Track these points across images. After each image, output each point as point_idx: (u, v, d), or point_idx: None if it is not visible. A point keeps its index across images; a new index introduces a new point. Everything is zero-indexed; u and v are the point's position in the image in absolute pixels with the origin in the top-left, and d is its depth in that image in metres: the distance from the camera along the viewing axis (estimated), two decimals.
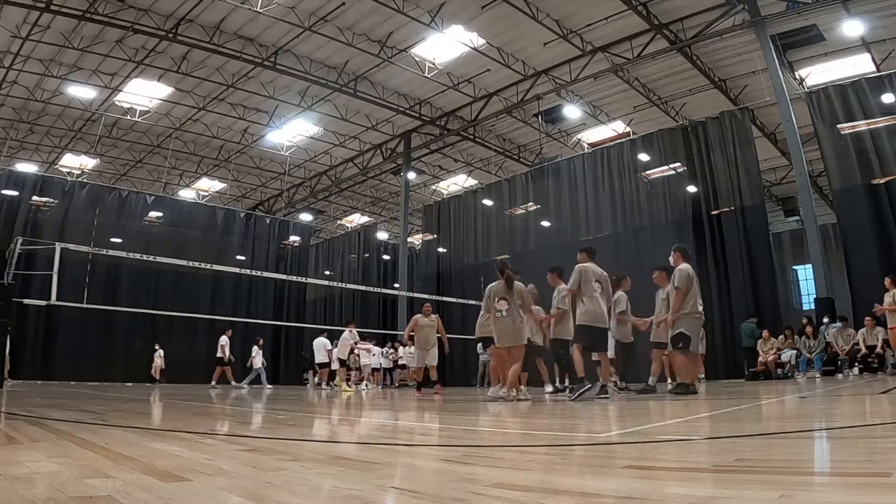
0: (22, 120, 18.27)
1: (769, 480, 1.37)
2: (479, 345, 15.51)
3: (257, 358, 15.63)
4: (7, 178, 16.58)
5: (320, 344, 14.07)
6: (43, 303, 10.66)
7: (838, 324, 11.39)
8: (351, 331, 13.13)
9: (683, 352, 6.29)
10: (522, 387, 6.94)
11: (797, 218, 20.45)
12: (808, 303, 22.64)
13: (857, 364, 10.68)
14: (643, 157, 15.65)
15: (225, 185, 24.10)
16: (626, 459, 1.91)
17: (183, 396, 8.31)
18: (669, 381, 11.87)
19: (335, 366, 13.32)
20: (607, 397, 5.97)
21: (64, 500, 1.22)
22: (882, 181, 11.73)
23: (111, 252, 13.09)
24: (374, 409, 6.12)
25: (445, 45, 15.12)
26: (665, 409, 4.54)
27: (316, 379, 15.21)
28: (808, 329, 11.70)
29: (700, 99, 16.79)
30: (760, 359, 11.64)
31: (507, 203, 18.66)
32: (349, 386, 12.98)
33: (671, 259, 6.85)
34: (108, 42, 14.71)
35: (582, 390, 5.97)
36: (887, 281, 9.23)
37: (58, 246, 9.85)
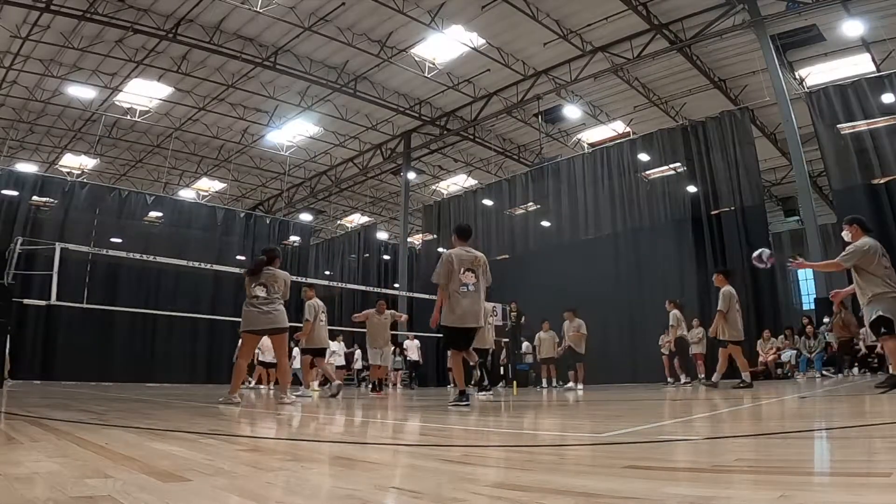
0: (22, 120, 18.27)
1: (769, 480, 1.37)
2: None
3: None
4: (7, 178, 16.59)
5: (414, 345, 15.88)
6: (43, 303, 10.64)
7: None
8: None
9: (890, 336, 5.25)
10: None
11: (797, 218, 20.46)
12: (808, 303, 22.65)
13: (857, 364, 10.68)
14: (643, 157, 15.66)
15: (225, 185, 24.10)
16: (626, 459, 1.90)
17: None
18: (670, 379, 11.92)
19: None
20: (467, 404, 5.10)
21: (64, 500, 1.22)
22: (882, 181, 11.74)
23: (111, 252, 13.07)
24: (372, 409, 6.11)
25: (445, 45, 15.12)
26: (665, 410, 4.54)
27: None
28: (809, 329, 11.70)
29: (700, 99, 16.79)
30: (761, 359, 11.64)
31: (507, 203, 18.66)
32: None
33: (845, 234, 5.77)
34: (107, 42, 14.71)
35: (459, 401, 5.13)
36: None
37: (58, 246, 9.84)
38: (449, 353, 5.71)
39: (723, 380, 8.57)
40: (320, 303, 8.60)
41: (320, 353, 8.73)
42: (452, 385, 8.76)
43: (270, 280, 6.04)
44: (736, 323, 8.06)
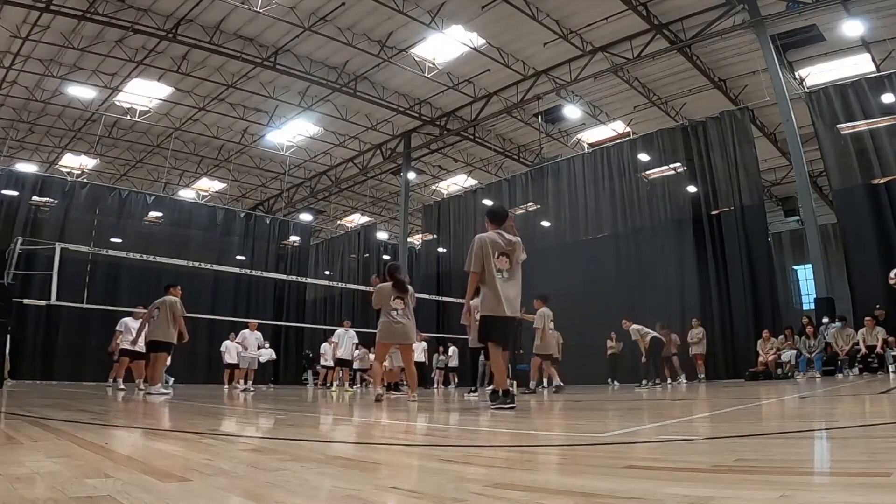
0: (22, 120, 18.28)
1: (769, 480, 1.37)
2: None
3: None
4: (7, 178, 16.60)
5: (420, 346, 15.05)
6: (43, 303, 10.67)
7: (838, 324, 11.39)
8: (347, 330, 13.29)
9: None
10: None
11: (797, 218, 20.46)
12: (808, 303, 22.64)
13: (857, 364, 10.68)
14: (643, 157, 15.67)
15: (225, 185, 24.11)
16: (626, 459, 1.90)
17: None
18: (670, 380, 11.94)
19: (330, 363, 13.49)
20: (512, 406, 4.56)
21: (64, 500, 1.21)
22: (882, 181, 11.74)
23: (111, 252, 13.10)
24: (373, 409, 6.11)
25: (445, 45, 15.12)
26: (665, 410, 4.54)
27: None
28: (809, 329, 11.69)
29: (700, 99, 16.79)
30: (761, 359, 11.65)
31: (507, 203, 18.62)
32: (349, 387, 13.01)
33: None
34: (108, 42, 14.72)
35: (501, 405, 4.55)
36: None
37: (58, 246, 9.86)
38: (489, 346, 4.92)
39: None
40: (164, 299, 9.42)
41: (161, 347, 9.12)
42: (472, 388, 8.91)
43: (408, 295, 6.67)
44: (546, 339, 9.33)
